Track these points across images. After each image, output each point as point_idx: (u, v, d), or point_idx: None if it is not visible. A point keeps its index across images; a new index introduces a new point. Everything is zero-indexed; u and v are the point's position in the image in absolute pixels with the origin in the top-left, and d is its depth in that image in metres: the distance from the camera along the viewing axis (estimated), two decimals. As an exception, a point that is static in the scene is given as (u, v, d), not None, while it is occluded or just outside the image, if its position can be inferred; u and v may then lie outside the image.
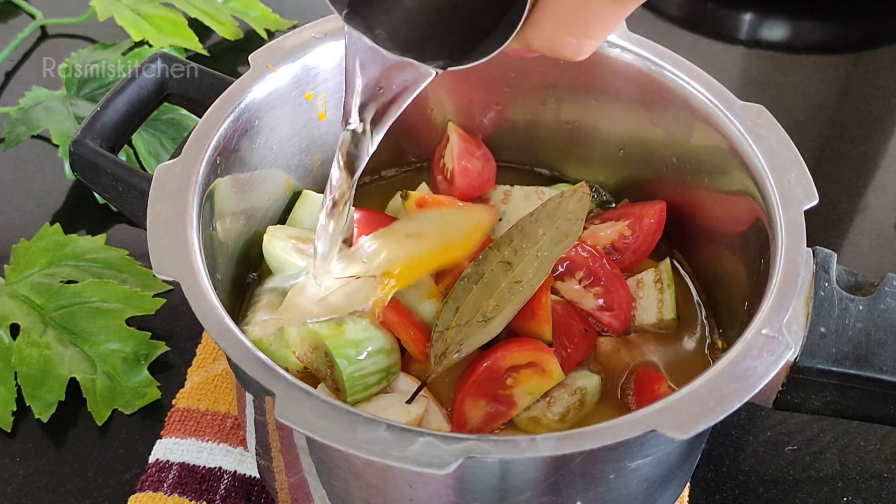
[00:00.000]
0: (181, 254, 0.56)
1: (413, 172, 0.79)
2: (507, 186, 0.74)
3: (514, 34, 0.47)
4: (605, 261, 0.67)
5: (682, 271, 0.72)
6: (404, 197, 0.69)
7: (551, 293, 0.67)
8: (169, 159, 0.61)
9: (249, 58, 0.66)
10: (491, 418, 0.62)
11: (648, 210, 0.70)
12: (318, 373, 0.63)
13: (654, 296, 0.68)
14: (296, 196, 0.72)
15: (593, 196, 0.77)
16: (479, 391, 0.62)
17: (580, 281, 0.67)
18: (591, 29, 0.46)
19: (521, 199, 0.73)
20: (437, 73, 0.54)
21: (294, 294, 0.63)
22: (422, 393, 0.63)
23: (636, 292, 0.68)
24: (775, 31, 1.15)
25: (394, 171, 0.79)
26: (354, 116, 0.58)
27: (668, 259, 0.70)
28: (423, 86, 0.55)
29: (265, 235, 0.67)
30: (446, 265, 0.65)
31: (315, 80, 0.69)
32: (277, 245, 0.66)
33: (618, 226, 0.70)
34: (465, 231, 0.66)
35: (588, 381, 0.64)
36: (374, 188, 0.78)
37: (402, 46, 0.54)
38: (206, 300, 0.54)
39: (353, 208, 0.71)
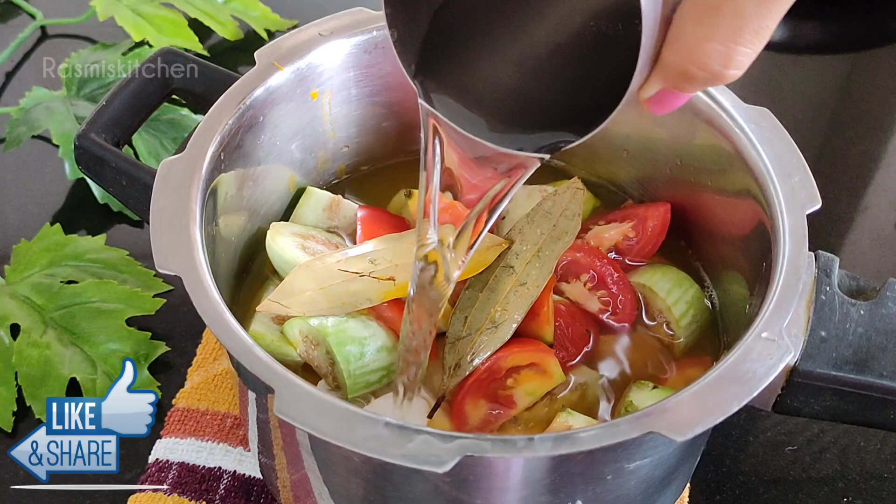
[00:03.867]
0: (184, 248, 0.56)
1: (416, 162, 0.79)
2: None
3: (642, 68, 0.40)
4: (610, 265, 0.67)
5: (694, 265, 0.72)
6: (408, 195, 0.69)
7: (557, 294, 0.67)
8: (173, 154, 0.61)
9: (255, 55, 0.66)
10: (491, 418, 0.62)
11: (653, 212, 0.70)
12: (319, 369, 0.63)
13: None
14: (299, 192, 0.72)
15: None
16: (480, 391, 0.62)
17: (585, 283, 0.67)
18: (742, 31, 0.40)
19: (524, 198, 0.73)
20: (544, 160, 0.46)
21: (293, 277, 0.63)
22: (422, 391, 0.63)
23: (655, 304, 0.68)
24: (775, 31, 1.15)
25: (396, 160, 0.79)
26: (433, 232, 0.52)
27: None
28: (527, 177, 0.48)
29: (268, 232, 0.67)
30: None
31: (320, 78, 0.69)
32: (280, 242, 0.66)
33: (622, 227, 0.70)
34: (474, 254, 0.65)
35: (588, 377, 0.64)
36: (375, 177, 0.78)
37: (500, 125, 0.46)
38: (208, 295, 0.54)
39: (357, 205, 0.71)
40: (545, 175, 0.77)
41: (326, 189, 0.73)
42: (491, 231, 0.69)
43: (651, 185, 0.74)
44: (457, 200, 0.72)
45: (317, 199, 0.71)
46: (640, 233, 0.70)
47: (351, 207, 0.71)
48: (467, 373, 0.61)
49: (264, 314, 0.65)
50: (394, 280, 0.63)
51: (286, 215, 0.72)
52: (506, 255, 0.65)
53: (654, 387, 0.63)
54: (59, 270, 0.80)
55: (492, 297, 0.64)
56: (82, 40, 1.07)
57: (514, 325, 0.62)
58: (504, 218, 0.73)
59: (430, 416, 0.61)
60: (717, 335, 0.68)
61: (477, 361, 0.61)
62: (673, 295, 0.67)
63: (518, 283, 0.63)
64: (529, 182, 0.73)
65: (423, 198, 0.55)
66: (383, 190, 0.76)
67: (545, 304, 0.64)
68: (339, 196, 0.71)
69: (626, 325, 0.67)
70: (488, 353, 0.62)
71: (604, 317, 0.67)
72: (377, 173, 0.78)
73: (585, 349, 0.66)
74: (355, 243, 0.68)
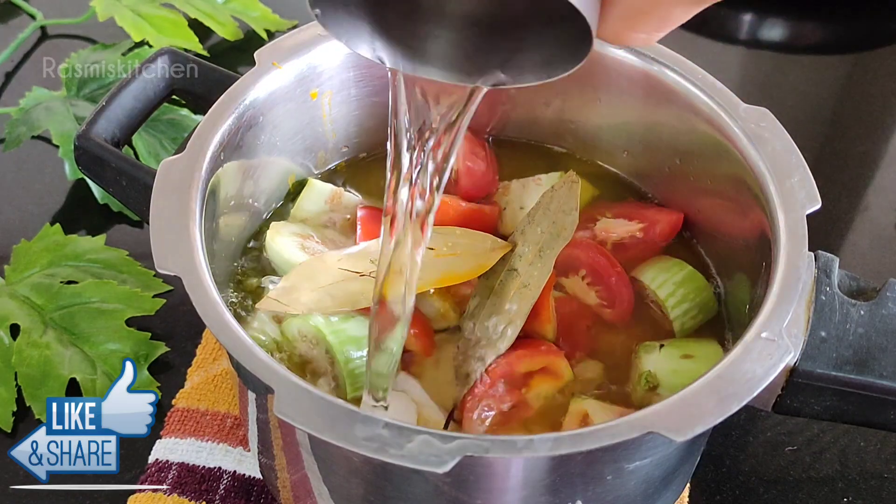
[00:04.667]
0: (183, 248, 0.56)
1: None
2: (505, 182, 0.75)
3: (584, 59, 0.43)
4: (607, 260, 0.67)
5: (697, 251, 0.72)
6: None
7: (556, 289, 0.67)
8: (173, 154, 0.61)
9: (255, 55, 0.66)
10: (504, 422, 0.62)
11: (664, 218, 0.70)
12: (319, 369, 0.64)
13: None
14: (299, 188, 0.72)
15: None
16: (495, 399, 0.62)
17: (583, 278, 0.67)
18: (663, 27, 0.44)
19: (520, 189, 0.73)
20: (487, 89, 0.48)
21: (293, 275, 0.63)
22: (422, 388, 0.63)
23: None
24: (775, 31, 1.15)
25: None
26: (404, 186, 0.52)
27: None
28: (474, 107, 0.50)
29: (268, 232, 0.67)
30: (448, 284, 0.65)
31: (320, 78, 0.69)
32: (280, 242, 0.67)
33: (630, 226, 0.70)
34: (474, 257, 0.65)
35: (593, 370, 0.64)
36: (376, 166, 0.77)
37: (446, 66, 0.48)
38: (208, 295, 0.54)
39: (358, 197, 0.71)
40: (543, 164, 0.77)
41: (325, 179, 0.73)
42: (494, 233, 0.69)
43: (650, 184, 0.74)
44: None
45: (318, 192, 0.71)
46: (647, 235, 0.70)
47: (352, 200, 0.71)
48: (476, 381, 0.62)
49: (264, 314, 0.65)
50: None
51: (286, 214, 0.72)
52: (510, 258, 0.65)
53: (661, 346, 0.63)
54: (59, 270, 0.80)
55: (497, 302, 0.64)
56: (82, 40, 1.08)
57: (518, 331, 0.62)
58: (505, 209, 0.73)
59: (445, 427, 0.61)
60: (721, 319, 0.68)
61: (484, 369, 0.61)
62: (658, 280, 0.67)
63: (521, 285, 0.63)
64: (533, 160, 0.73)
65: (389, 192, 0.54)
66: (383, 179, 0.75)
67: (546, 303, 0.64)
68: (341, 188, 0.71)
69: (625, 316, 0.67)
70: (494, 359, 0.61)
71: (601, 310, 0.67)
72: (377, 163, 0.78)
73: (587, 343, 0.66)
74: (355, 239, 0.68)
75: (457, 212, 0.69)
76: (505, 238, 0.68)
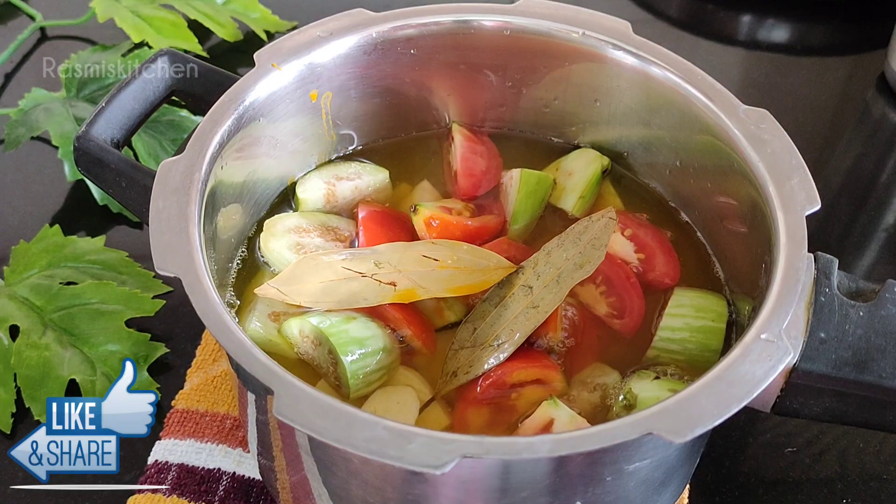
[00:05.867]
0: (183, 250, 0.56)
1: (432, 136, 0.78)
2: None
3: None
4: (624, 271, 0.67)
5: (716, 265, 0.70)
6: (413, 211, 0.69)
7: (569, 296, 0.67)
8: (173, 155, 0.61)
9: (254, 56, 0.67)
10: (494, 424, 0.62)
11: (662, 268, 0.68)
12: (320, 369, 0.64)
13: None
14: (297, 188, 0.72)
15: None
16: (483, 402, 0.62)
17: (598, 285, 0.67)
18: None
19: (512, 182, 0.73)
20: None
21: (295, 266, 0.64)
22: (422, 386, 0.63)
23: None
24: (775, 32, 1.15)
25: (414, 132, 0.79)
26: None
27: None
28: None
29: (262, 234, 0.68)
30: (453, 295, 0.65)
31: (319, 79, 0.69)
32: (273, 245, 0.67)
33: (631, 258, 0.69)
34: (478, 273, 0.65)
35: (608, 378, 0.64)
36: (391, 150, 0.78)
37: None
38: (207, 297, 0.54)
39: (351, 182, 0.71)
40: (550, 153, 0.77)
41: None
42: (508, 252, 0.69)
43: (652, 186, 0.74)
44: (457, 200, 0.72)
45: (313, 202, 0.71)
46: (646, 266, 0.69)
47: (346, 187, 0.71)
48: (462, 383, 0.62)
49: (262, 309, 0.65)
50: (395, 285, 0.63)
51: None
52: (528, 273, 0.65)
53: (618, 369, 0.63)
54: (59, 272, 0.80)
55: (504, 314, 0.64)
56: (82, 41, 1.08)
57: (515, 347, 0.62)
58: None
59: (420, 411, 0.61)
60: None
61: (471, 375, 0.61)
62: (679, 309, 0.65)
63: (531, 304, 0.63)
64: (536, 154, 0.73)
65: None
66: (396, 159, 0.76)
67: (555, 312, 0.63)
68: (332, 185, 0.71)
69: (633, 329, 0.66)
70: (485, 369, 0.62)
71: (611, 321, 0.67)
72: (389, 143, 0.78)
73: (596, 353, 0.66)
74: (356, 235, 0.68)
75: (463, 232, 0.69)
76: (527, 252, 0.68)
